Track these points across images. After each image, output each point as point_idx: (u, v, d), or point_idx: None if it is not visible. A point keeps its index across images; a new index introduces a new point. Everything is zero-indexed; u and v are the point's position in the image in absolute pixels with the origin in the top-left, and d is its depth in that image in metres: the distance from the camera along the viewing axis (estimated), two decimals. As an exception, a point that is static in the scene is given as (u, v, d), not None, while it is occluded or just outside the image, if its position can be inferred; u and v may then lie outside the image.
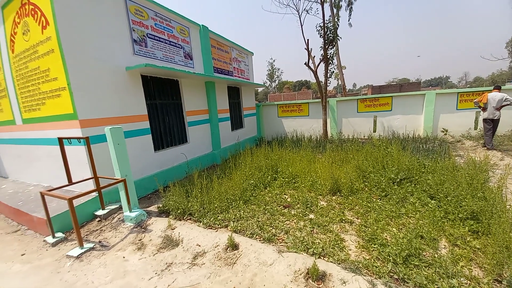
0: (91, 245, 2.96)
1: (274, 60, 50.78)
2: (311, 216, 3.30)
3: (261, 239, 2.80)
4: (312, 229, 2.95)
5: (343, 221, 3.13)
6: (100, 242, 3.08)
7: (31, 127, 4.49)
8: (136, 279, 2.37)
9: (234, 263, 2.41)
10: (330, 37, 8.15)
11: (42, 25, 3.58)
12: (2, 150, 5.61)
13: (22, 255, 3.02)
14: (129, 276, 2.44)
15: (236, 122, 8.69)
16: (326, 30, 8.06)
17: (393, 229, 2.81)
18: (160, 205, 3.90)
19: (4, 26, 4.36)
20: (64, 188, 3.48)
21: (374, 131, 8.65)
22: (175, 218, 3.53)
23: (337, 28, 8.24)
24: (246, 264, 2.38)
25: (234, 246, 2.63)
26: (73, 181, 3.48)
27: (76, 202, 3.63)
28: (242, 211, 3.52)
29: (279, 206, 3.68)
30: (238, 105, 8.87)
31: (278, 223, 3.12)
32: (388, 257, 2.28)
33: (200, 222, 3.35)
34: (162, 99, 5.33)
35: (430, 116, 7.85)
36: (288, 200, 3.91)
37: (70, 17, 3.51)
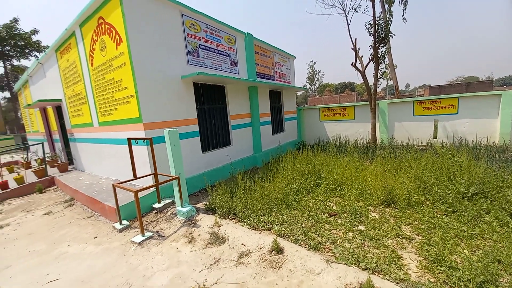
0: (150, 234, 3.32)
1: (314, 63, 49.41)
2: (361, 227, 3.07)
3: (307, 246, 2.72)
4: (363, 241, 2.74)
5: (400, 237, 2.82)
6: (157, 232, 3.43)
7: (105, 129, 5.31)
8: (188, 270, 2.56)
9: (279, 267, 2.40)
10: (381, 35, 7.55)
11: (116, 42, 4.23)
12: (81, 148, 6.77)
13: (94, 238, 3.56)
14: (182, 266, 2.64)
15: (277, 126, 8.71)
16: (377, 27, 7.50)
17: (465, 251, 2.41)
18: (207, 203, 4.15)
19: (83, 43, 5.27)
20: (128, 182, 4.00)
21: (435, 137, 7.60)
22: (220, 217, 3.70)
23: (390, 25, 7.59)
24: (291, 269, 2.34)
25: (279, 250, 2.62)
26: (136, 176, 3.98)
27: (138, 195, 4.14)
28: (285, 215, 3.49)
29: (323, 214, 3.54)
30: (279, 109, 8.89)
31: (323, 231, 3.00)
32: (459, 282, 1.97)
33: (244, 222, 3.44)
34: (210, 104, 5.71)
35: (508, 121, 6.54)
36: (333, 208, 3.72)
37: (138, 35, 4.06)
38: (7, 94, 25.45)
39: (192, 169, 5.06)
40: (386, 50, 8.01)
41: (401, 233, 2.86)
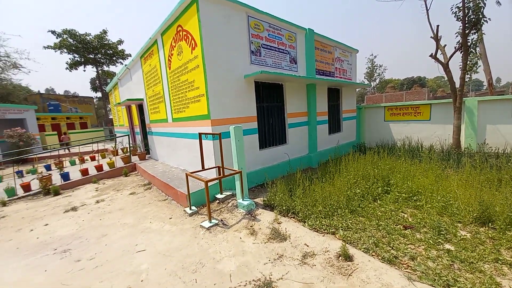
0: (216, 221, 3.60)
1: (375, 56, 44.60)
2: (448, 246, 2.63)
3: (379, 257, 2.49)
4: (451, 263, 2.34)
5: (499, 262, 2.32)
6: (222, 220, 3.70)
7: (177, 125, 6.01)
8: (253, 261, 2.67)
9: (349, 275, 2.26)
10: (472, 20, 6.25)
11: (192, 47, 4.70)
12: (156, 140, 7.85)
13: (170, 218, 4.07)
14: (247, 256, 2.77)
15: (334, 125, 8.25)
16: (466, 11, 6.24)
17: None
18: (265, 199, 4.25)
19: (163, 49, 6.05)
20: (197, 172, 4.42)
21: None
22: (279, 214, 3.74)
23: (483, 8, 6.19)
24: (364, 280, 2.17)
25: (347, 257, 2.47)
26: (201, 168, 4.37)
27: (203, 186, 4.54)
28: (349, 221, 3.28)
29: (396, 225, 3.18)
30: (337, 108, 8.40)
31: (398, 245, 2.69)
32: None
33: (305, 222, 3.39)
34: (268, 102, 5.81)
35: None
36: (408, 220, 3.30)
37: (211, 39, 4.43)
38: (99, 94, 31.63)
39: (250, 165, 5.26)
40: (478, 37, 6.60)
41: (500, 258, 2.35)
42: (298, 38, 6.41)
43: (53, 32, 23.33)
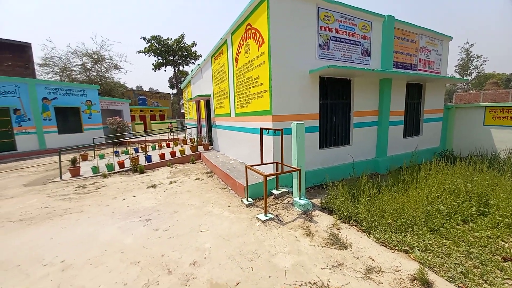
0: (271, 216, 3.64)
1: (471, 45, 35.89)
2: None
3: (473, 293, 2.00)
4: None
5: None
6: (277, 216, 3.71)
7: (239, 119, 6.33)
8: (309, 262, 2.57)
9: (428, 305, 1.90)
10: None
11: (259, 44, 4.81)
12: (219, 133, 8.49)
13: (228, 206, 4.34)
14: (302, 256, 2.69)
15: (411, 127, 7.09)
16: None
17: None
18: (323, 201, 4.03)
19: (232, 48, 6.41)
20: (256, 166, 4.55)
21: None
22: (339, 219, 3.48)
23: None
24: (450, 315, 1.79)
25: (425, 282, 2.08)
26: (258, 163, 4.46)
27: (259, 179, 4.65)
28: (428, 241, 2.76)
29: (493, 255, 2.51)
30: (417, 107, 7.17)
31: (493, 278, 2.13)
32: None
33: (369, 234, 3.05)
34: (333, 99, 5.44)
35: None
36: (510, 250, 2.55)
37: (278, 35, 4.42)
38: (174, 91, 36.53)
39: (308, 164, 5.07)
40: None
41: None
42: (374, 27, 5.72)
43: (144, 38, 28.14)
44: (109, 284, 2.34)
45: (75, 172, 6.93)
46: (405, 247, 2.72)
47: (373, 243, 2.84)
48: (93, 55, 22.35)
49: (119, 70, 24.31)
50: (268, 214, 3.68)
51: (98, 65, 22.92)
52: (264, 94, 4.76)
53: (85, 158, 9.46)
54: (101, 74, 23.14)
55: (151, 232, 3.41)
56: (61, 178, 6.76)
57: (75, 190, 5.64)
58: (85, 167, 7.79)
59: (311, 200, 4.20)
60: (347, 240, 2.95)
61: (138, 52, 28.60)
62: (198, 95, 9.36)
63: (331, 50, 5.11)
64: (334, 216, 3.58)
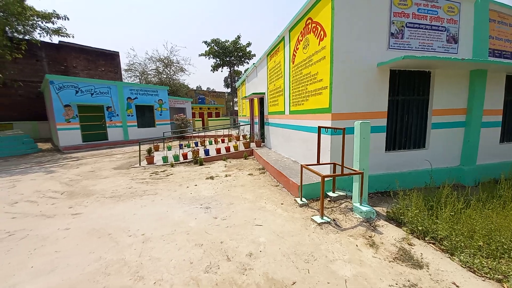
0: (328, 219, 3.45)
1: None
2: None
3: None
4: None
5: None
6: (334, 220, 3.50)
7: (294, 117, 6.22)
8: (373, 276, 2.32)
9: None
10: None
11: (320, 38, 4.59)
12: (271, 130, 8.55)
13: (281, 204, 4.32)
14: (365, 268, 2.45)
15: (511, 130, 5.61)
16: None
17: None
18: (389, 210, 3.59)
19: (289, 45, 6.31)
20: (312, 165, 4.39)
21: None
22: (411, 233, 3.03)
23: None
24: None
25: (545, 331, 1.60)
26: (313, 163, 4.27)
27: (314, 179, 4.46)
28: (543, 277, 2.12)
29: None
30: (522, 105, 5.62)
31: None
32: None
33: (452, 255, 2.55)
34: (405, 94, 4.75)
35: None
36: None
37: (342, 27, 4.12)
38: (228, 90, 38.69)
39: (371, 168, 4.58)
40: None
41: None
42: (464, 9, 4.72)
43: (205, 42, 30.68)
44: (179, 260, 2.64)
45: (150, 160, 8.13)
46: (499, 275, 2.17)
47: (457, 267, 2.36)
48: (164, 60, 25.71)
49: (184, 72, 27.28)
50: (324, 217, 3.50)
51: (168, 69, 26.24)
52: (323, 91, 4.52)
53: (156, 148, 10.98)
54: (170, 76, 26.44)
55: (211, 219, 3.70)
56: (139, 164, 8.04)
57: (150, 176, 6.61)
58: (157, 157, 9.05)
59: (374, 208, 3.81)
60: (421, 258, 2.54)
61: (199, 55, 31.46)
62: (253, 93, 9.64)
63: (406, 39, 4.47)
64: (404, 229, 3.14)
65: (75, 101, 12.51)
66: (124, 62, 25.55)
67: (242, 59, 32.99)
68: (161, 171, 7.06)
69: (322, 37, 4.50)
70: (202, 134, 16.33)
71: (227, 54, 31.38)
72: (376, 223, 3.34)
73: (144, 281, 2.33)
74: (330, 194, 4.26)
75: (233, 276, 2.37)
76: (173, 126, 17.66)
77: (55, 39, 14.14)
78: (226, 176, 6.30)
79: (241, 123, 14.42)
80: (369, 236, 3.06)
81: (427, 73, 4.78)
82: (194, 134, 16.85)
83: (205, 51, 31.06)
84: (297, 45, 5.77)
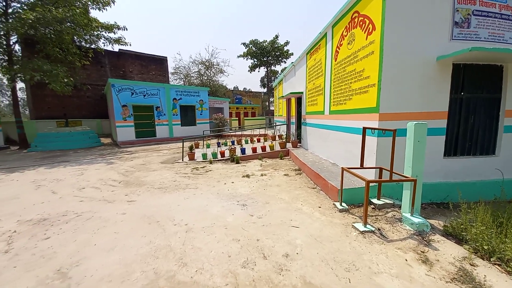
0: (371, 228, 3.19)
1: None
2: None
3: None
4: None
5: None
6: (379, 229, 3.22)
7: (334, 117, 5.93)
8: (428, 297, 2.06)
9: None
10: None
11: (367, 32, 4.27)
12: (309, 131, 8.31)
13: (319, 207, 4.15)
14: (416, 285, 2.20)
15: None
16: None
17: None
18: (447, 225, 3.15)
19: (332, 41, 6.02)
20: (354, 169, 4.12)
21: None
22: (474, 253, 2.61)
23: None
24: None
25: None
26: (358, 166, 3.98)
27: (356, 184, 4.18)
28: None
29: None
30: None
31: None
32: None
33: (535, 285, 2.11)
34: (471, 92, 4.11)
35: None
36: None
37: (395, 18, 3.76)
38: (265, 90, 38.87)
39: (425, 175, 4.07)
40: None
41: None
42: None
43: (243, 43, 31.43)
44: (218, 252, 2.76)
45: (191, 156, 8.70)
46: None
47: (544, 302, 1.94)
48: (206, 63, 27.22)
49: (223, 73, 28.47)
50: (368, 226, 3.25)
51: (209, 71, 27.72)
52: (369, 89, 4.20)
53: (197, 146, 11.70)
54: (210, 78, 27.90)
55: (247, 216, 3.77)
56: (182, 160, 8.68)
57: (191, 171, 7.07)
58: (197, 153, 9.63)
59: (427, 220, 3.39)
60: (484, 281, 2.17)
61: (238, 57, 32.42)
62: (290, 93, 9.51)
63: (472, 29, 3.85)
64: (466, 247, 2.72)
65: (130, 102, 14.14)
66: (171, 66, 27.88)
67: (280, 58, 32.80)
68: (201, 167, 7.48)
69: (370, 30, 4.18)
70: (239, 133, 16.79)
71: (265, 54, 31.60)
72: (430, 238, 2.96)
73: (187, 267, 2.50)
74: (375, 201, 3.94)
75: (269, 275, 2.37)
76: (211, 125, 18.58)
77: (116, 47, 16.17)
78: (261, 175, 6.35)
79: (277, 123, 14.37)
80: (421, 251, 2.73)
81: (498, 67, 4.04)
82: (231, 133, 17.43)
83: (243, 52, 31.84)
84: (341, 41, 5.48)
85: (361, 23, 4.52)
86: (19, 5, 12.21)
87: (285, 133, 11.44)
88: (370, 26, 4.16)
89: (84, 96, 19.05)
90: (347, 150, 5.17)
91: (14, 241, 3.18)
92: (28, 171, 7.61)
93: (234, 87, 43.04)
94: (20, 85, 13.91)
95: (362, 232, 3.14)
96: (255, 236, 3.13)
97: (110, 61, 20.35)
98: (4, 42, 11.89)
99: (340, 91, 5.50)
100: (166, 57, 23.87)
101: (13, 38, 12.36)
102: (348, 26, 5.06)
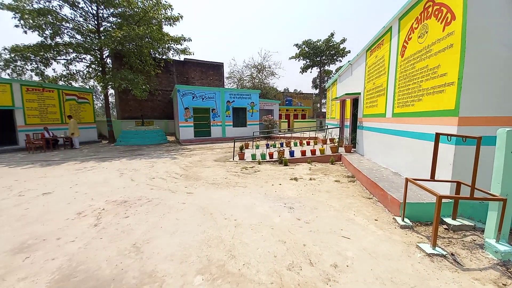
0: (442, 252, 2.72)
1: None
2: None
3: None
4: None
5: None
6: (452, 254, 2.72)
7: (398, 120, 5.28)
8: None
9: None
10: None
11: (445, 23, 3.66)
12: (366, 135, 7.60)
13: (375, 220, 3.76)
14: (506, 332, 1.77)
15: None
16: None
17: None
18: (559, 263, 2.41)
19: (398, 36, 5.37)
20: (422, 181, 3.59)
21: None
22: None
23: None
24: None
25: None
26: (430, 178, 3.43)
27: (424, 198, 3.62)
28: None
29: None
30: None
31: None
32: None
33: None
34: None
35: None
36: None
37: (481, 4, 3.11)
38: (316, 91, 37.41)
39: None
40: None
41: None
42: None
43: (296, 44, 31.09)
44: (264, 250, 2.84)
45: (241, 156, 9.14)
46: None
47: None
48: (258, 66, 28.10)
49: (274, 76, 28.83)
50: (438, 248, 2.78)
51: (260, 74, 28.52)
52: (446, 88, 3.58)
53: (246, 146, 12.19)
54: (261, 80, 28.66)
55: (294, 219, 3.73)
56: (233, 159, 9.20)
57: (241, 170, 7.42)
58: (247, 153, 10.05)
59: (523, 252, 2.68)
60: None
61: (289, 58, 32.26)
62: (345, 94, 8.91)
63: None
64: None
65: (191, 105, 15.81)
66: (226, 71, 29.94)
67: (334, 57, 31.10)
68: (250, 167, 7.77)
69: (448, 20, 3.57)
70: (288, 135, 16.69)
71: (318, 54, 30.50)
72: (528, 275, 2.33)
73: (235, 260, 2.66)
74: (449, 221, 3.33)
75: (315, 282, 2.30)
76: (261, 126, 19.04)
77: (182, 57, 18.35)
78: (310, 179, 6.17)
79: (329, 126, 13.66)
80: (503, 284, 2.19)
81: None
82: (279, 135, 17.49)
83: (295, 53, 31.49)
84: (409, 34, 4.85)
85: (436, 12, 3.91)
86: (109, 25, 15.20)
87: (338, 136, 10.79)
88: (449, 15, 3.55)
89: (156, 100, 22.29)
90: (414, 159, 4.53)
91: (102, 217, 3.99)
92: (114, 161, 9.40)
93: (285, 89, 42.99)
94: (110, 91, 17.22)
95: (430, 255, 2.70)
96: (302, 241, 3.08)
97: (176, 69, 23.23)
98: (99, 56, 14.98)
99: (407, 91, 4.86)
100: (223, 63, 25.73)
101: (106, 53, 15.46)
102: (419, 17, 4.45)
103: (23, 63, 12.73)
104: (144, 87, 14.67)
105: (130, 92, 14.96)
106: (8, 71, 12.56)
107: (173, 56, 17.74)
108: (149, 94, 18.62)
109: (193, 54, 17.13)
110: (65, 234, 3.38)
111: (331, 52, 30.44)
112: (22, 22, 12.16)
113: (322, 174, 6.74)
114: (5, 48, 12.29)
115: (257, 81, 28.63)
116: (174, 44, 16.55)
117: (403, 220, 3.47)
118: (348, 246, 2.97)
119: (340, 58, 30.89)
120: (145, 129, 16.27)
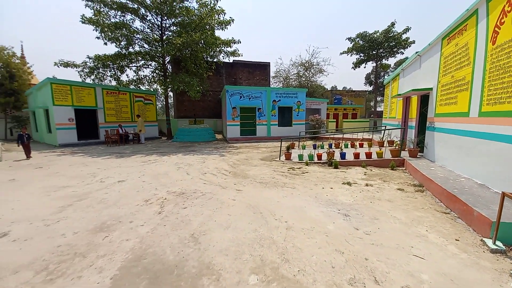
0: None
1: None
2: None
3: None
4: None
5: None
6: None
7: (486, 121, 4.30)
8: None
9: None
10: None
11: None
12: (438, 138, 6.47)
13: (456, 239, 3.12)
14: None
15: None
16: None
17: None
18: None
19: (486, 20, 4.35)
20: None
21: None
22: None
23: None
24: None
25: None
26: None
27: (510, 218, 2.83)
28: None
29: None
30: None
31: None
32: None
33: None
34: None
35: None
36: None
37: None
38: (369, 88, 34.02)
39: None
40: None
41: None
42: None
43: (349, 38, 28.92)
44: (320, 259, 2.65)
45: (288, 156, 8.96)
46: None
47: None
48: (305, 64, 27.22)
49: (323, 73, 27.45)
50: (557, 288, 2.11)
51: (307, 72, 27.58)
52: None
53: (293, 146, 11.92)
54: (308, 78, 27.69)
55: (351, 229, 3.40)
56: (279, 159, 9.09)
57: (288, 170, 7.26)
58: (293, 154, 9.81)
59: None
60: None
61: (340, 53, 30.21)
62: (412, 90, 7.76)
63: None
64: None
65: (239, 104, 16.35)
66: (272, 70, 29.96)
67: (395, 49, 27.64)
68: (297, 168, 7.53)
69: None
70: (338, 136, 15.67)
71: (374, 47, 27.64)
72: None
73: (289, 264, 2.55)
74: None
75: (384, 305, 2.01)
76: (307, 126, 18.38)
77: (231, 59, 19.11)
78: (366, 185, 5.60)
79: (387, 126, 12.22)
80: None
81: None
82: (327, 135, 16.57)
83: (348, 48, 29.28)
84: (502, 18, 3.88)
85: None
86: (170, 34, 16.89)
87: (399, 138, 9.52)
88: None
89: (207, 100, 23.91)
90: (508, 168, 3.61)
91: (165, 205, 4.40)
92: (172, 155, 10.42)
93: (332, 87, 40.54)
94: (169, 93, 19.22)
95: (546, 296, 2.07)
96: (362, 254, 2.76)
97: (226, 70, 24.42)
98: (161, 62, 16.77)
99: (501, 86, 3.90)
100: (269, 62, 25.84)
101: (167, 59, 17.21)
102: (526, -10, 3.50)
103: (104, 70, 15.23)
104: (198, 88, 15.86)
105: (186, 94, 16.38)
106: (92, 77, 15.16)
107: (223, 58, 18.68)
108: (201, 95, 20.08)
109: (241, 55, 17.66)
110: (136, 218, 3.85)
111: (391, 44, 27.15)
112: (102, 34, 14.48)
113: (380, 180, 6.04)
114: (89, 57, 14.79)
115: (303, 79, 27.78)
116: (224, 47, 17.39)
117: (494, 242, 2.79)
118: (421, 267, 2.53)
119: (402, 50, 27.33)
120: (197, 127, 17.60)
